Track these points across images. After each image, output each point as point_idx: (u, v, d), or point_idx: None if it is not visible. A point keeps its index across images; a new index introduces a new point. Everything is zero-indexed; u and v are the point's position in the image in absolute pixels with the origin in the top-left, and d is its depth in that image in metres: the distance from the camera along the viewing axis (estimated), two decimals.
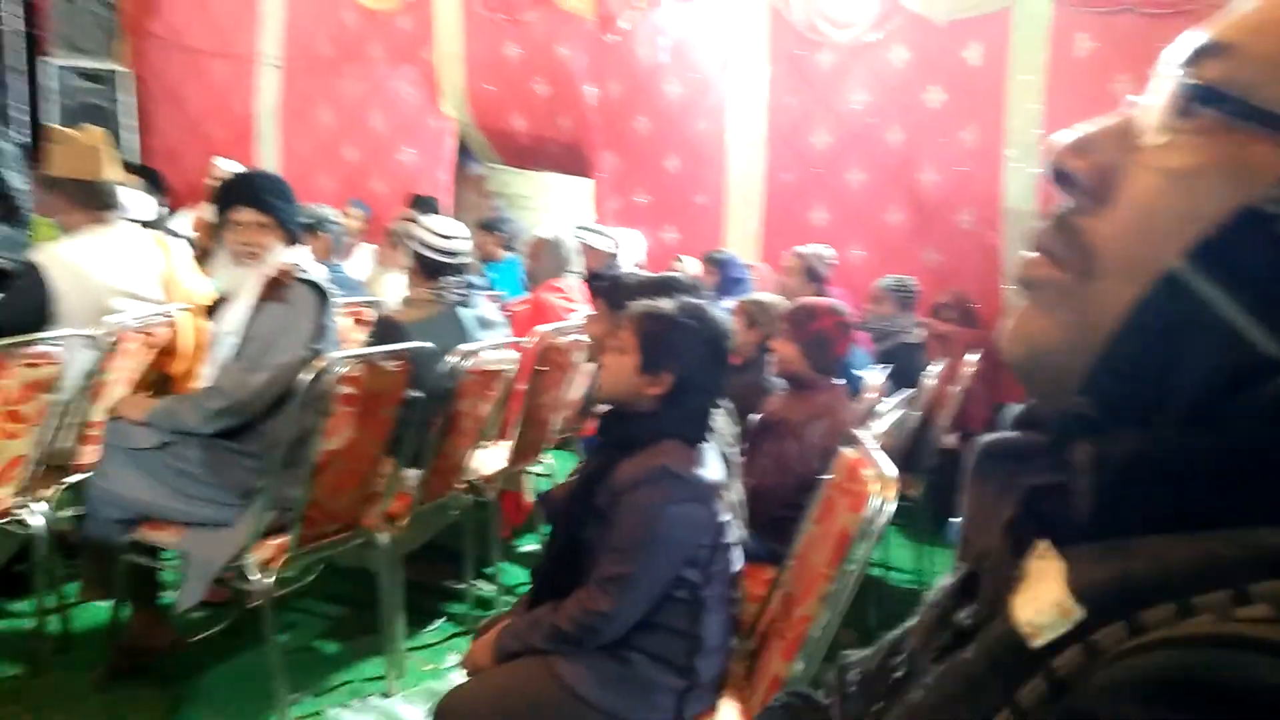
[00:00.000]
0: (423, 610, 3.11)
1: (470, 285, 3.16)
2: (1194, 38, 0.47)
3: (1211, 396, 0.42)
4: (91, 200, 2.96)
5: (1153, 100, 0.48)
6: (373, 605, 2.78)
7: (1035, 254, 0.51)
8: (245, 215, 2.58)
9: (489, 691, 1.83)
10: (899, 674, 0.62)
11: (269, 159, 7.53)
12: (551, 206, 7.67)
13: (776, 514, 2.34)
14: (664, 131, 6.35)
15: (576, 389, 3.58)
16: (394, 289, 4.38)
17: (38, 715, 2.46)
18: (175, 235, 3.72)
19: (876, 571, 3.73)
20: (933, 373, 3.62)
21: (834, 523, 1.81)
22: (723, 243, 6.04)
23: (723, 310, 2.06)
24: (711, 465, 1.85)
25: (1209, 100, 0.44)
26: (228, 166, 6.12)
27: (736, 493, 2.10)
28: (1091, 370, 0.47)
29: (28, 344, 2.49)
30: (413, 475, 2.80)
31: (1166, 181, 0.44)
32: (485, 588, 3.27)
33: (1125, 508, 0.44)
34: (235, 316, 2.57)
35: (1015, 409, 0.61)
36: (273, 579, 2.38)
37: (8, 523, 2.54)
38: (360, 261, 5.69)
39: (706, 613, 1.83)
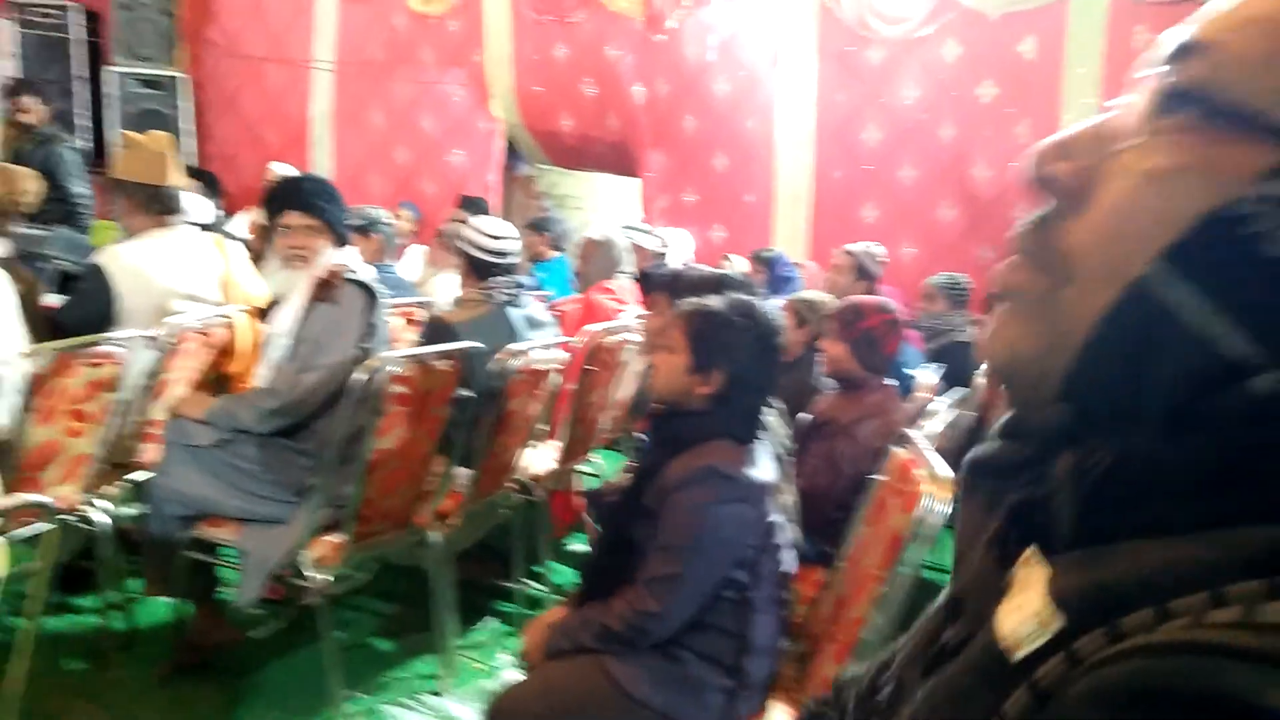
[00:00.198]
0: (473, 609, 3.13)
1: (519, 285, 3.18)
2: (1175, 35, 0.46)
3: (1185, 401, 0.42)
4: (156, 204, 3.03)
5: (1135, 100, 0.47)
6: (425, 604, 2.80)
7: (1014, 259, 0.50)
8: (294, 219, 2.63)
9: (541, 691, 1.84)
10: (887, 691, 0.62)
11: (322, 162, 7.65)
12: (599, 206, 7.69)
13: (827, 515, 2.32)
14: (712, 130, 6.33)
15: (625, 389, 3.59)
16: (445, 289, 4.42)
17: (102, 709, 2.52)
18: (232, 238, 3.79)
19: (930, 574, 3.67)
20: (985, 372, 3.56)
21: (886, 524, 1.79)
22: (771, 241, 6.00)
23: (774, 307, 2.05)
24: (763, 465, 1.84)
25: (1186, 100, 0.43)
26: (283, 171, 6.24)
27: (790, 494, 2.08)
28: (1068, 378, 0.46)
29: (91, 344, 2.56)
30: (464, 474, 2.82)
31: (1142, 183, 0.44)
32: (535, 587, 3.29)
33: (1106, 516, 0.44)
34: (287, 318, 2.62)
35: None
36: (328, 576, 2.42)
37: (73, 519, 2.61)
38: (411, 262, 5.76)
39: (756, 613, 1.82)
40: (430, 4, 7.08)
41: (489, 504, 3.01)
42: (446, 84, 7.24)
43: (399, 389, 2.43)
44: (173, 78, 7.55)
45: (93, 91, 7.49)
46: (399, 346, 3.02)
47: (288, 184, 2.87)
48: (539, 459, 3.22)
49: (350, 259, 2.71)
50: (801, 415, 2.70)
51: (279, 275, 2.71)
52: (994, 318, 0.51)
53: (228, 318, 3.04)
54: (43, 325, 2.81)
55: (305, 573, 2.40)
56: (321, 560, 2.43)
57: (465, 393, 2.69)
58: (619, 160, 6.85)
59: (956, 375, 3.60)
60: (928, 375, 3.33)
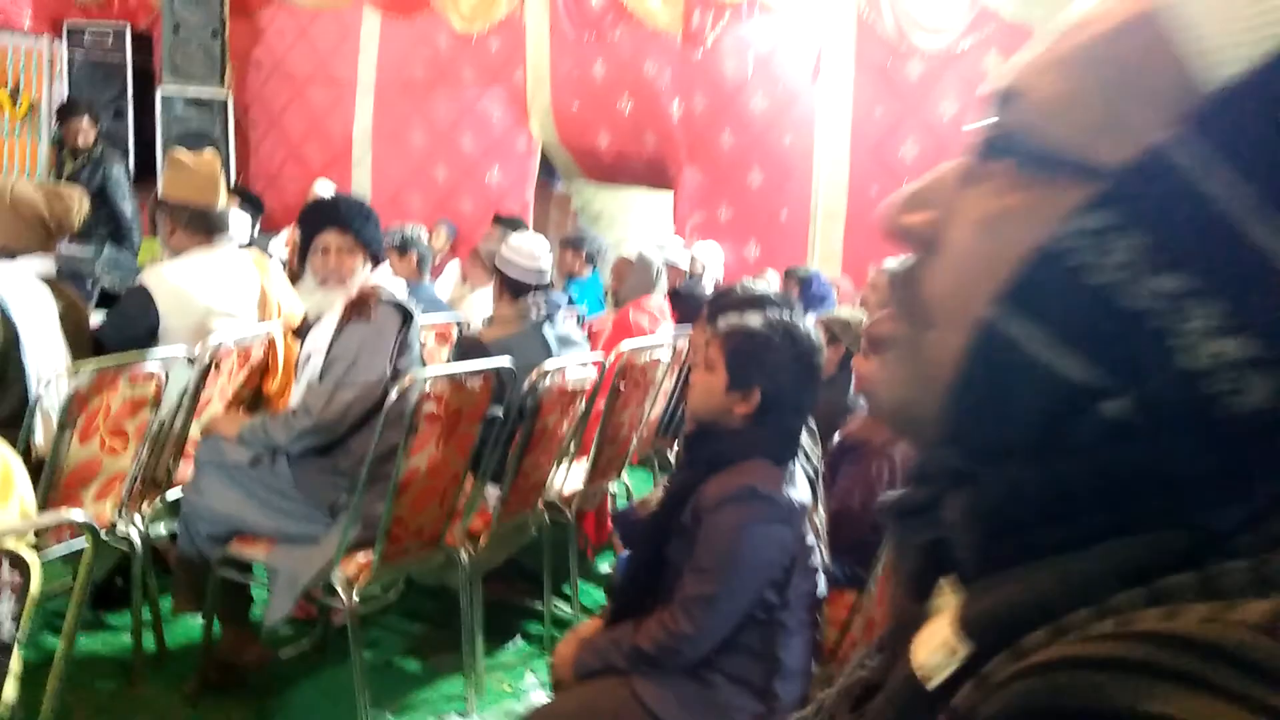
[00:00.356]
0: (502, 629, 3.13)
1: (553, 303, 3.18)
2: (994, 83, 0.48)
3: (1046, 429, 0.44)
4: (204, 226, 3.04)
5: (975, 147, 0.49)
6: (453, 624, 2.80)
7: (888, 309, 0.50)
8: (331, 239, 2.65)
9: (568, 713, 1.82)
10: None
11: (363, 181, 7.75)
12: (634, 222, 7.70)
13: (858, 538, 2.28)
14: (748, 145, 6.31)
15: (657, 408, 3.56)
16: (480, 307, 4.44)
17: None
18: (270, 256, 3.84)
19: None
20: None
21: None
22: (806, 258, 5.96)
23: (812, 326, 2.02)
24: (799, 486, 1.82)
25: (1003, 146, 0.46)
26: (326, 188, 6.34)
27: (821, 516, 2.05)
28: (942, 419, 0.48)
29: (132, 363, 2.59)
30: (493, 493, 2.81)
31: (975, 228, 0.46)
32: (563, 608, 3.27)
33: (1002, 543, 0.46)
34: (321, 337, 2.64)
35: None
36: (358, 596, 2.42)
37: (109, 538, 2.63)
38: (448, 279, 5.80)
39: (786, 635, 1.79)
40: (473, 23, 7.16)
41: (518, 523, 3.01)
42: (486, 102, 7.30)
43: (431, 407, 2.43)
44: (220, 99, 7.71)
45: (140, 112, 7.66)
46: (431, 364, 3.03)
47: (324, 204, 2.90)
48: (569, 478, 3.21)
49: (384, 278, 2.72)
50: (836, 436, 2.66)
51: (315, 294, 2.74)
52: (877, 367, 0.51)
53: (265, 335, 3.06)
54: (86, 344, 2.85)
55: (336, 590, 2.40)
56: (352, 579, 2.44)
57: (496, 411, 2.68)
58: (654, 175, 6.86)
59: None
60: None
